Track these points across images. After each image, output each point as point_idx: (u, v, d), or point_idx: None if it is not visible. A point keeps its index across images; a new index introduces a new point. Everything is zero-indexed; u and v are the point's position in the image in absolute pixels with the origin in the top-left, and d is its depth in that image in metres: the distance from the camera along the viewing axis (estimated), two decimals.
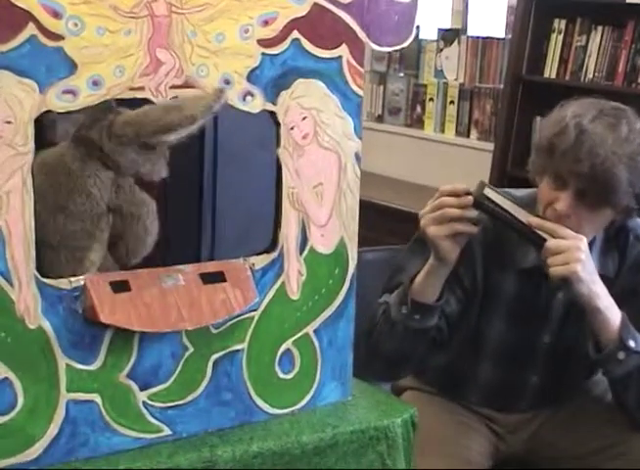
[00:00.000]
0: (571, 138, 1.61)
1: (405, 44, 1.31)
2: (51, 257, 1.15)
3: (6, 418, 1.10)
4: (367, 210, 1.51)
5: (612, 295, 1.67)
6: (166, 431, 1.21)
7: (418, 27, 3.91)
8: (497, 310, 1.80)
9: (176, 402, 1.22)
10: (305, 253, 1.28)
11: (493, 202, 1.60)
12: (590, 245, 1.66)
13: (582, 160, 1.59)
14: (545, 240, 1.60)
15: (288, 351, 1.30)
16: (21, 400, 1.10)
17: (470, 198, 1.59)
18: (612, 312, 1.65)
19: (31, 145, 1.06)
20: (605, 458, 1.82)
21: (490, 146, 3.85)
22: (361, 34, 1.26)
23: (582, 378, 1.93)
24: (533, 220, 1.61)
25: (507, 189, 1.76)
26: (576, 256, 1.58)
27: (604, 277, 1.68)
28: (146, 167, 1.19)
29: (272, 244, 1.27)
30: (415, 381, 1.95)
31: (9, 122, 1.03)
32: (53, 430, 1.13)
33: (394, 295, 1.72)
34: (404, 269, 1.78)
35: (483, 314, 1.80)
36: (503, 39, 4.00)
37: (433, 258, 1.64)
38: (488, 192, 1.60)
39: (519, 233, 1.65)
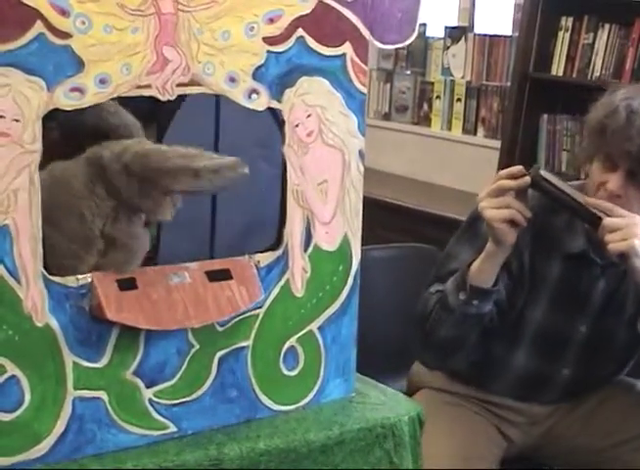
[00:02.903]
0: (622, 118, 1.63)
1: (408, 42, 1.31)
2: None
3: (13, 415, 1.11)
4: (373, 207, 1.51)
5: None
6: (172, 428, 1.22)
7: (425, 25, 3.91)
8: (541, 296, 1.82)
9: (182, 400, 1.22)
10: (310, 250, 1.29)
11: (550, 182, 1.63)
12: None
13: (633, 138, 1.62)
14: (601, 219, 1.63)
15: (292, 347, 1.30)
16: (28, 398, 1.11)
17: (527, 178, 1.62)
18: None
19: (39, 143, 1.06)
20: (626, 451, 1.84)
21: (497, 144, 3.84)
22: (365, 32, 1.26)
23: (610, 376, 1.94)
24: (590, 200, 1.64)
25: None
26: (634, 231, 1.61)
27: None
28: (146, 205, 1.16)
29: (277, 241, 1.27)
30: (437, 377, 1.95)
31: (17, 120, 1.04)
32: (60, 427, 1.14)
33: (450, 282, 1.74)
34: (455, 257, 1.80)
35: (527, 300, 1.82)
36: (510, 37, 3.98)
37: (490, 243, 1.66)
38: (545, 173, 1.63)
39: (575, 213, 1.68)
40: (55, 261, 1.12)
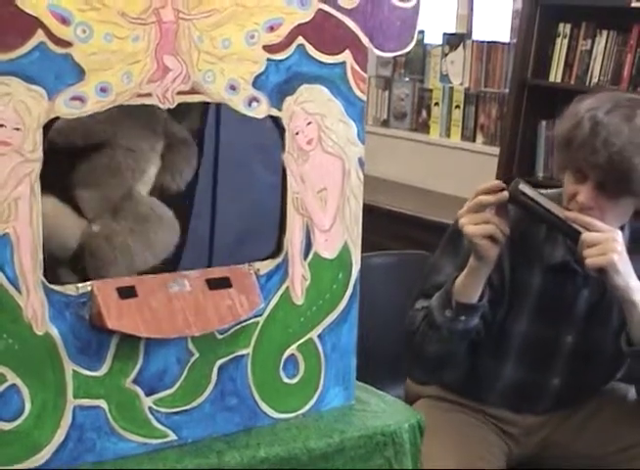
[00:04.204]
0: (586, 130, 1.62)
1: (407, 49, 1.32)
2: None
3: (13, 425, 1.10)
4: (372, 214, 1.51)
5: None
6: (172, 436, 1.22)
7: (423, 32, 3.92)
8: (523, 308, 1.81)
9: (182, 408, 1.22)
10: (309, 258, 1.29)
11: (529, 197, 1.63)
12: None
13: (599, 151, 1.61)
14: (580, 233, 1.62)
15: (292, 355, 1.30)
16: (28, 407, 1.11)
17: (505, 193, 1.61)
18: None
19: (40, 152, 1.06)
20: (625, 458, 1.83)
21: (496, 150, 3.84)
22: (364, 40, 1.26)
23: (601, 383, 1.94)
24: (569, 214, 1.64)
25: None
26: (613, 246, 1.60)
27: None
28: None
29: (277, 249, 1.27)
30: (433, 386, 1.95)
31: (17, 129, 1.04)
32: (60, 436, 1.14)
33: (435, 299, 1.73)
34: (439, 270, 1.79)
35: (510, 312, 1.81)
36: (508, 44, 3.99)
37: (472, 258, 1.66)
38: (523, 187, 1.63)
39: (554, 227, 1.68)
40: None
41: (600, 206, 1.65)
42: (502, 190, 1.61)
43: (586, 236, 1.61)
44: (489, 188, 1.62)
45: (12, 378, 1.09)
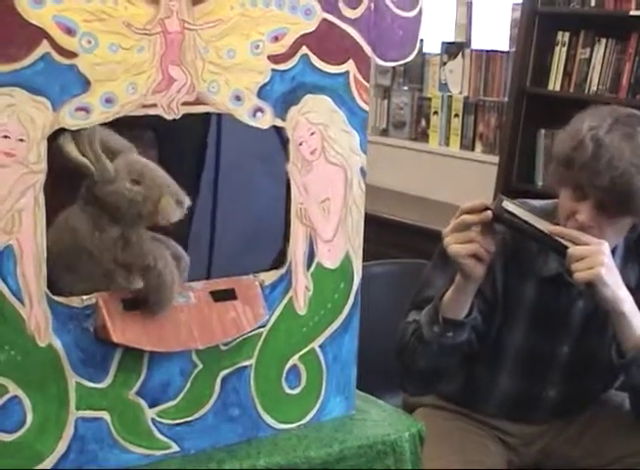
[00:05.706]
0: (589, 151, 1.62)
1: (409, 58, 1.32)
2: None
3: (15, 436, 1.10)
4: (371, 223, 1.51)
5: None
6: (175, 447, 1.21)
7: (422, 41, 3.93)
8: (518, 320, 1.81)
9: (185, 419, 1.21)
10: (312, 268, 1.28)
11: (513, 214, 1.62)
12: (611, 254, 1.66)
13: (602, 173, 1.61)
14: (567, 247, 1.61)
15: (294, 366, 1.30)
16: (30, 418, 1.10)
17: (489, 212, 1.61)
18: (636, 318, 1.66)
19: (44, 163, 1.05)
20: (624, 466, 1.83)
21: (495, 159, 3.85)
22: (367, 49, 1.27)
23: (598, 393, 1.94)
24: (554, 229, 1.63)
25: (526, 200, 1.77)
26: (600, 259, 1.59)
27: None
28: (147, 207, 1.14)
29: (280, 259, 1.27)
30: (430, 396, 1.95)
31: (22, 140, 1.03)
32: (62, 447, 1.13)
33: (424, 314, 1.73)
34: (430, 284, 1.80)
35: (504, 324, 1.81)
36: (507, 52, 4.00)
37: (459, 276, 1.66)
38: (507, 205, 1.62)
39: (540, 243, 1.67)
40: None
41: (599, 224, 1.65)
42: (486, 209, 1.61)
43: (573, 250, 1.61)
44: (473, 207, 1.62)
45: (14, 389, 1.09)
